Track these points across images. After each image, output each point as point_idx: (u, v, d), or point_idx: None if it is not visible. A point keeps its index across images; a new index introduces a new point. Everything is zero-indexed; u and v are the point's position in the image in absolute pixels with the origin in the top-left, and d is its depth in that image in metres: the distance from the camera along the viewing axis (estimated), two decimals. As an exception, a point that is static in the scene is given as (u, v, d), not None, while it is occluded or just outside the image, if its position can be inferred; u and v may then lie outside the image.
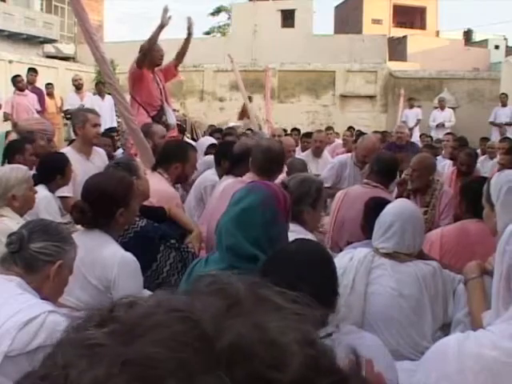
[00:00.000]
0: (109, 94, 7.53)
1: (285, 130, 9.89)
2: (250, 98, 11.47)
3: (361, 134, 8.27)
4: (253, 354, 0.41)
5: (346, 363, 0.49)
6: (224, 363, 0.40)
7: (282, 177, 3.51)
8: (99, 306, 0.49)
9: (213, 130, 8.67)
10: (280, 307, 0.47)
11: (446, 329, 2.30)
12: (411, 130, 11.87)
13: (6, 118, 8.68)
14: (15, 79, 9.08)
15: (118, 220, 2.33)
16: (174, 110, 11.09)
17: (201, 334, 0.42)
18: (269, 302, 0.47)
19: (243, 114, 11.23)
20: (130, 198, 2.37)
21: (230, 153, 4.05)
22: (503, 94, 12.17)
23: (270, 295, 0.48)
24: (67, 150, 4.32)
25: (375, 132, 8.76)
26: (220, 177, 4.20)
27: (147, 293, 2.59)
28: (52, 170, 3.68)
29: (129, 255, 2.30)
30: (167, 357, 0.41)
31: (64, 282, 1.86)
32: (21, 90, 8.94)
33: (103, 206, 2.29)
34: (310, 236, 2.57)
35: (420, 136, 10.63)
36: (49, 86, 10.28)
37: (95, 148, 4.37)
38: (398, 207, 2.47)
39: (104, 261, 2.22)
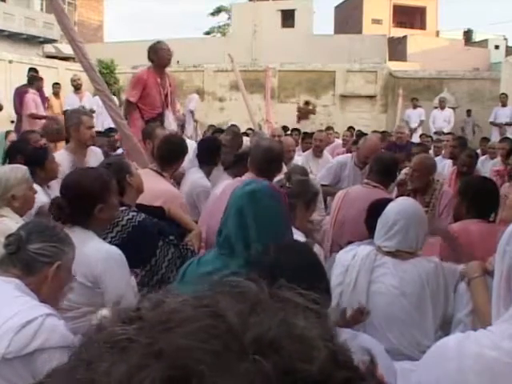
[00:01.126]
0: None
1: (285, 128, 9.90)
2: (308, 103, 11.41)
3: (361, 134, 8.27)
4: (281, 347, 0.43)
5: (361, 363, 0.51)
6: (252, 355, 0.42)
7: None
8: (121, 307, 0.50)
9: (214, 131, 8.64)
10: (302, 306, 0.50)
11: (446, 328, 2.30)
12: (414, 130, 11.89)
13: (35, 117, 8.65)
14: (39, 79, 9.12)
15: (97, 216, 2.34)
16: (193, 116, 11.20)
17: (228, 327, 0.44)
18: (290, 302, 0.50)
19: (303, 115, 11.31)
20: (107, 194, 2.38)
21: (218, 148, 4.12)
22: (503, 94, 12.19)
23: (291, 296, 0.51)
24: (61, 153, 4.31)
25: (374, 131, 8.76)
26: (208, 174, 4.23)
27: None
28: (30, 164, 3.65)
29: (113, 249, 2.31)
30: (200, 347, 0.42)
31: (62, 284, 1.84)
32: (38, 89, 8.98)
33: (80, 202, 2.31)
34: (299, 234, 2.59)
35: (420, 136, 10.64)
36: (56, 85, 10.25)
37: (91, 148, 4.36)
38: (402, 205, 2.47)
39: (88, 257, 2.22)
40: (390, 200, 2.98)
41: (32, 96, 8.78)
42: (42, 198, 3.51)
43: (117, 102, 5.15)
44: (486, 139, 8.88)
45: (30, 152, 3.87)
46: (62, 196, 2.37)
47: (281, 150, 3.47)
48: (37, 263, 1.74)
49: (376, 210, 2.85)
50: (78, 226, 2.32)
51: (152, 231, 2.78)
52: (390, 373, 1.54)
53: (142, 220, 2.77)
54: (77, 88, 9.79)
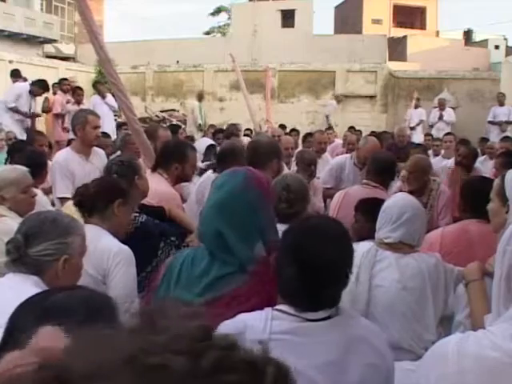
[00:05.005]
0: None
1: (283, 126, 9.92)
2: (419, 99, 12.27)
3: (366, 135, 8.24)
4: None
5: None
6: None
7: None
8: None
9: (216, 131, 8.64)
10: None
11: (446, 324, 2.30)
12: (412, 129, 11.94)
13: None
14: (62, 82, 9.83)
15: (115, 211, 2.42)
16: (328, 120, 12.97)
17: None
18: None
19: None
20: (129, 194, 2.49)
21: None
22: (500, 93, 12.32)
23: None
24: (66, 151, 4.33)
25: (372, 132, 8.77)
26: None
27: None
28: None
29: (124, 247, 2.39)
30: None
31: (75, 271, 1.83)
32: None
33: (105, 191, 2.45)
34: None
35: (425, 135, 10.62)
36: (56, 85, 10.27)
37: (94, 148, 4.37)
38: (404, 199, 2.49)
39: (101, 251, 2.30)
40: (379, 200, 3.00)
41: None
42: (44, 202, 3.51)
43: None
44: (485, 139, 8.89)
45: (29, 154, 3.87)
46: (86, 186, 2.51)
47: (272, 144, 3.50)
48: (42, 264, 1.72)
49: (368, 212, 2.88)
50: (95, 216, 2.41)
51: (154, 233, 2.80)
52: (383, 359, 1.52)
53: (145, 221, 2.80)
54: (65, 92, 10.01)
